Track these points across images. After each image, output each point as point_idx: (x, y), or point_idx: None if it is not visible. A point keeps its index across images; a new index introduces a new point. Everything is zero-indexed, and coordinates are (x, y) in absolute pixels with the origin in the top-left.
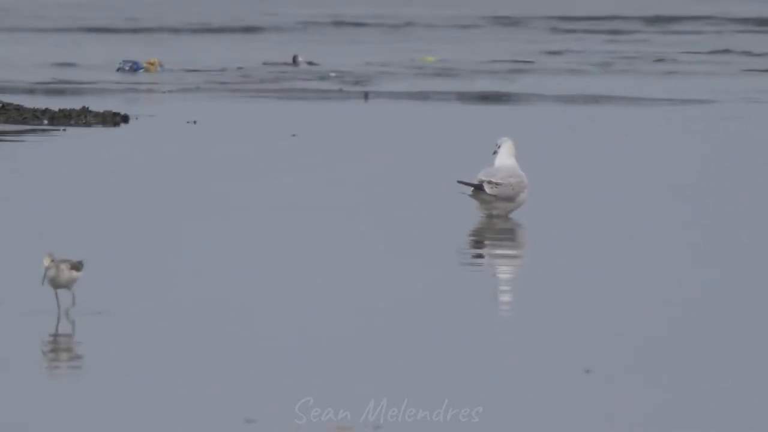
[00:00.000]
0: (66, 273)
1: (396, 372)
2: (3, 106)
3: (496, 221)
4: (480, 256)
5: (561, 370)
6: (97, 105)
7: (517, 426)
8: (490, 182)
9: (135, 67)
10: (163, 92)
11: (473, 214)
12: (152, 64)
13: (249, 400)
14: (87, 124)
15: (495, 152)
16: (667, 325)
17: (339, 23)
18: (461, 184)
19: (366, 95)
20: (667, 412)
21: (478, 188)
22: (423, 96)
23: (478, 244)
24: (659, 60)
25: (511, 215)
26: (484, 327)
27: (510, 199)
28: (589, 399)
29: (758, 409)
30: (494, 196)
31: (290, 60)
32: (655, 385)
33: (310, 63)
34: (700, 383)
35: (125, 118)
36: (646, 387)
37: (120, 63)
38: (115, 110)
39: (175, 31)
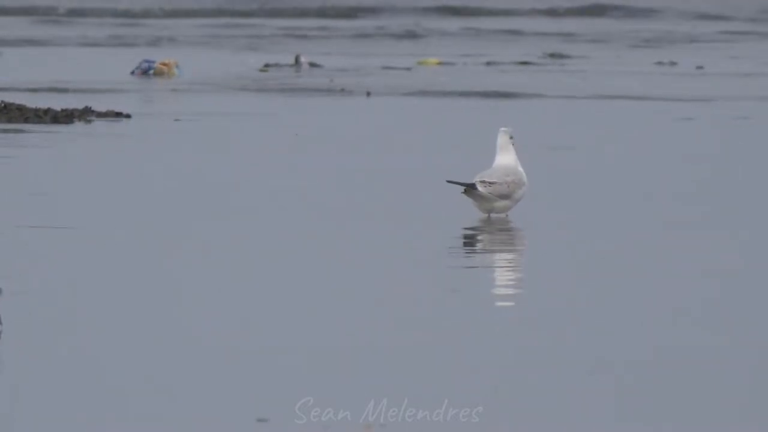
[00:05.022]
0: None
1: (396, 372)
2: (5, 105)
3: (495, 220)
4: (480, 255)
5: (563, 370)
6: (103, 105)
7: (518, 426)
8: (483, 182)
9: (147, 68)
10: (171, 91)
11: (473, 212)
12: (166, 65)
13: (249, 401)
14: (89, 123)
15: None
16: (672, 325)
17: (341, 27)
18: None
19: (368, 93)
20: (671, 414)
21: (471, 187)
22: (424, 93)
23: (477, 243)
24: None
25: (510, 214)
26: (484, 327)
27: (506, 196)
28: (592, 399)
29: None
30: (488, 194)
31: (293, 61)
32: (659, 386)
33: (312, 64)
34: (704, 384)
35: (128, 117)
36: (650, 388)
37: (138, 62)
38: (117, 110)
39: (175, 34)
